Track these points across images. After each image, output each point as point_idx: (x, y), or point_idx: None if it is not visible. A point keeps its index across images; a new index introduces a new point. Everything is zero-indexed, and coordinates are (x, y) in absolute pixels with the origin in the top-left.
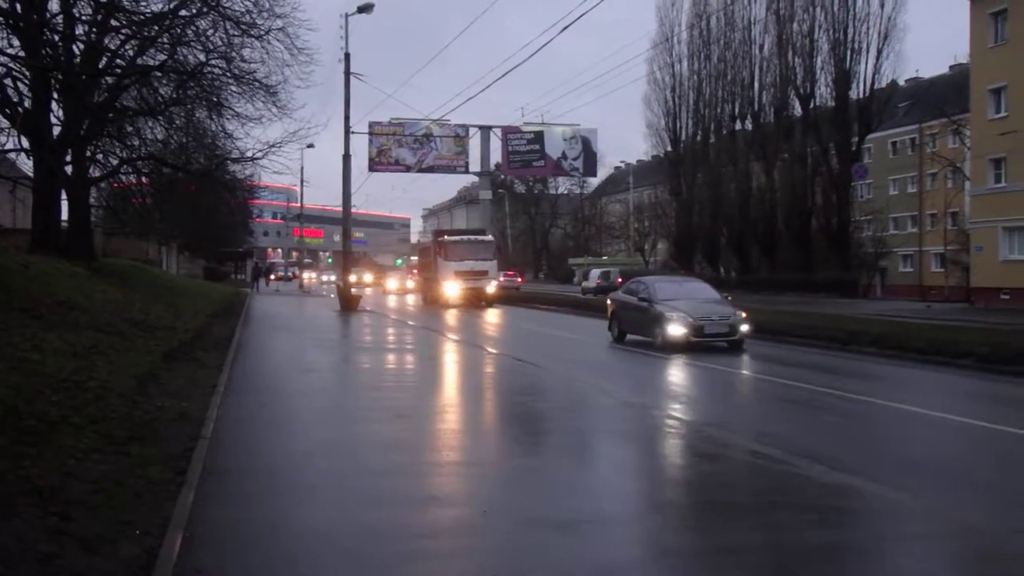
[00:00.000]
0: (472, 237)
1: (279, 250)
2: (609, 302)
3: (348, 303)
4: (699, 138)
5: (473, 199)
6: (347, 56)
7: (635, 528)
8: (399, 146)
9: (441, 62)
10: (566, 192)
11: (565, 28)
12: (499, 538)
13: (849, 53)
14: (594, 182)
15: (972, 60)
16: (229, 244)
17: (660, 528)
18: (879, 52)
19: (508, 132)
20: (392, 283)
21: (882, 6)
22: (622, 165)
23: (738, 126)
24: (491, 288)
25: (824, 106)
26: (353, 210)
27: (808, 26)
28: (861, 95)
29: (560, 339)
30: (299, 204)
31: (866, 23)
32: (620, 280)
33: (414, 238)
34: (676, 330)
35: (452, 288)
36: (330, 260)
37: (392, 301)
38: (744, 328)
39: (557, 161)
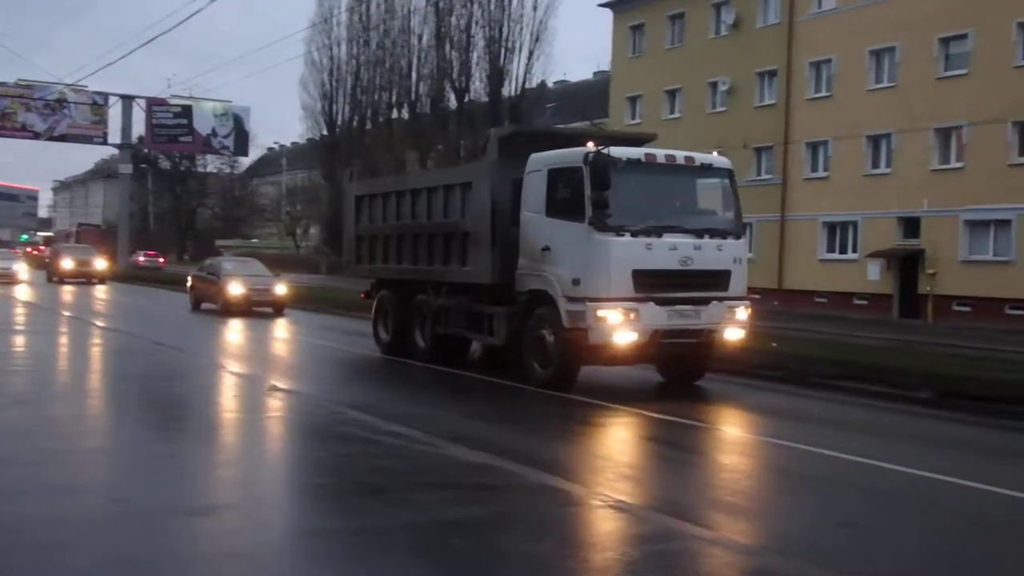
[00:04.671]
0: (681, 156)
1: None
2: None
3: None
4: (356, 124)
5: (112, 173)
6: None
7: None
8: (27, 110)
9: (78, 21)
10: (216, 171)
11: None
12: (129, 527)
13: (503, 51)
14: (246, 162)
15: (613, 69)
16: None
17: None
18: (531, 53)
19: (153, 104)
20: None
21: (535, 9)
22: (276, 146)
23: (395, 114)
24: (735, 330)
25: (478, 101)
26: None
27: (465, 21)
28: (513, 93)
29: None
30: None
31: (520, 23)
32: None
33: (43, 212)
34: None
35: (622, 330)
36: None
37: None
38: None
39: (206, 138)
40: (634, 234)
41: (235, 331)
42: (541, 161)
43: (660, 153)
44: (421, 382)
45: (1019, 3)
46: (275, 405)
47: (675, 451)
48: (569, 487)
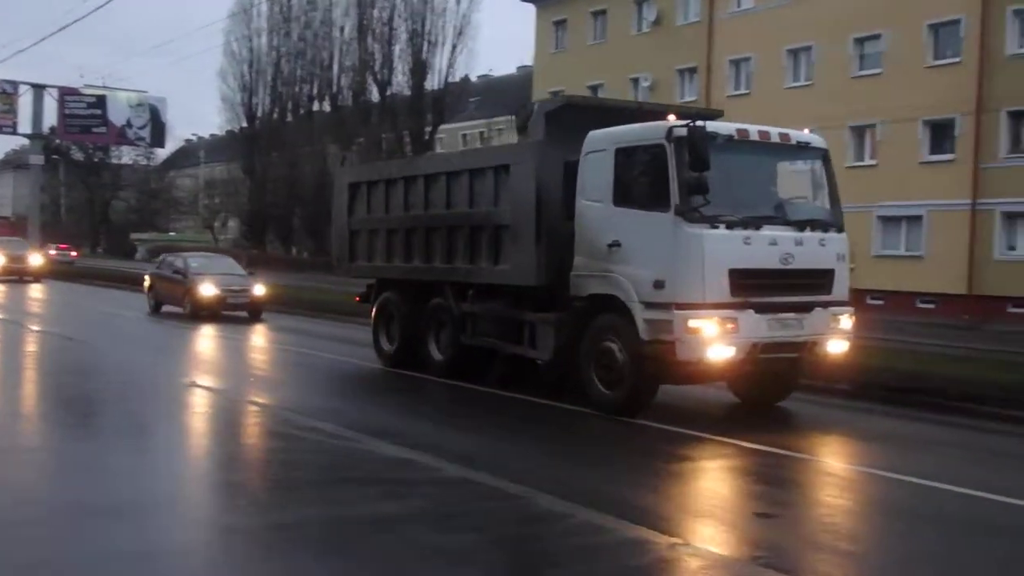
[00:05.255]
0: (776, 133)
1: None
2: None
3: None
4: (276, 116)
5: (23, 163)
6: None
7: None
8: None
9: None
10: (131, 162)
11: None
12: (37, 528)
13: (426, 45)
14: (162, 154)
15: (535, 64)
16: None
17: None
18: (454, 47)
19: (65, 93)
20: None
21: (458, 2)
22: (194, 138)
23: (316, 107)
24: (839, 341)
25: (401, 94)
26: None
27: (388, 14)
28: (436, 86)
29: None
30: None
31: (443, 17)
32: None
33: None
34: None
35: (718, 344)
36: None
37: None
38: None
39: (121, 129)
40: (730, 226)
41: (208, 337)
42: (605, 139)
43: (753, 129)
44: (444, 402)
45: (930, 5)
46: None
47: (781, 490)
48: (658, 538)
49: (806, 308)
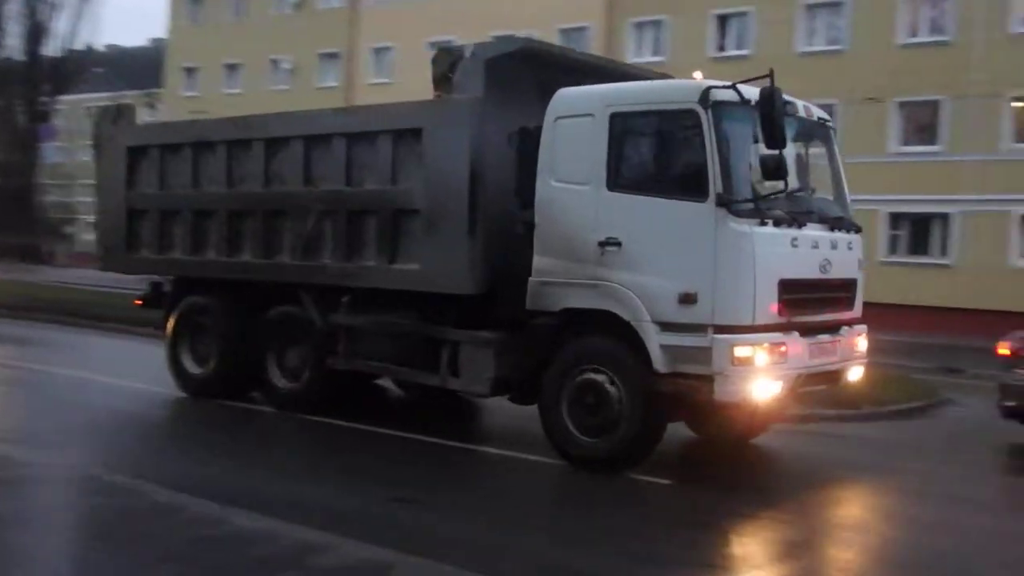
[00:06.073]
0: (800, 105)
1: None
2: None
3: None
4: None
5: None
6: None
7: None
8: None
9: None
10: None
11: None
12: None
13: (44, 7)
14: None
15: (170, 37)
16: None
17: None
18: (77, 12)
19: None
20: None
21: None
22: None
23: None
24: (858, 368)
25: (13, 59)
26: None
27: None
28: (55, 54)
29: None
30: None
31: None
32: None
33: None
34: None
35: (765, 378)
36: None
37: None
38: None
39: None
40: (776, 222)
41: None
42: (590, 100)
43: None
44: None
45: (562, 11)
46: None
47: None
48: None
49: (838, 328)
